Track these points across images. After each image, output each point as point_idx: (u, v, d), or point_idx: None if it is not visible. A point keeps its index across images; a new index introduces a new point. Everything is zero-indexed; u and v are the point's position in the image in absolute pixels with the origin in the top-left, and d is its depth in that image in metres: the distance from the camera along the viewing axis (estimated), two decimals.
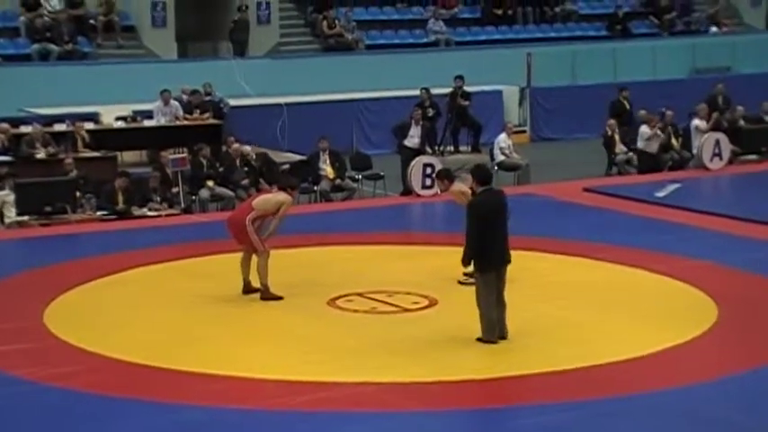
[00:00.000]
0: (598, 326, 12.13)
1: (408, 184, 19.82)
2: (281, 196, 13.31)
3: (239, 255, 13.31)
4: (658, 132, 22.15)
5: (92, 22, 28.26)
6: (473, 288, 13.35)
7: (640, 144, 22.17)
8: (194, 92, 23.85)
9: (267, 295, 13.11)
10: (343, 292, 13.24)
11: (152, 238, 16.26)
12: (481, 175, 11.86)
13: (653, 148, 22.14)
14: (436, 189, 14.01)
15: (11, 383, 10.47)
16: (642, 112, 23.26)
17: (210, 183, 19.44)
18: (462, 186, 13.84)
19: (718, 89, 24.97)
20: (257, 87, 26.77)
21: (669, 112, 22.63)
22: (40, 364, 10.88)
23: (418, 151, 21.11)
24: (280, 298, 13.09)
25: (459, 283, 13.50)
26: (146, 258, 14.96)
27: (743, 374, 10.67)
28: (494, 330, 11.44)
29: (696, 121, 22.70)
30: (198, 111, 23.51)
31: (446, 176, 13.94)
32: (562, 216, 17.48)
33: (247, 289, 13.32)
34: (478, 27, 32.88)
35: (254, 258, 13.18)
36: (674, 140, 22.50)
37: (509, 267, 11.67)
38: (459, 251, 14.54)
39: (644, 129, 22.17)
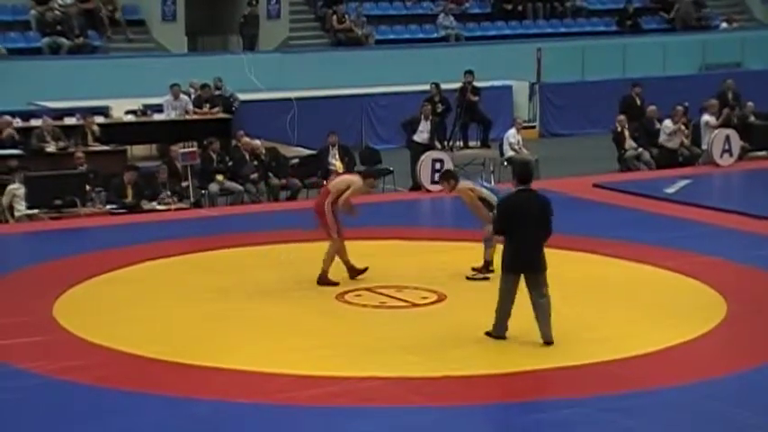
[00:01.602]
0: (607, 322, 12.12)
1: (417, 179, 19.82)
2: (355, 178, 13.60)
3: (248, 249, 13.34)
4: (682, 127, 22.13)
5: (103, 14, 28.28)
6: (481, 283, 13.42)
7: (662, 138, 22.14)
8: (204, 86, 23.86)
9: (324, 280, 13.33)
10: (351, 287, 13.25)
11: (161, 233, 16.28)
12: (520, 173, 11.56)
13: (675, 143, 22.11)
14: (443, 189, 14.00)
15: (20, 377, 10.50)
16: (652, 107, 23.23)
17: (220, 177, 19.46)
18: (468, 184, 13.83)
19: (727, 84, 24.91)
20: (267, 82, 26.67)
21: (679, 107, 22.60)
22: (49, 358, 10.90)
23: (427, 146, 21.10)
24: (336, 284, 13.28)
25: (468, 278, 13.52)
26: (155, 252, 14.98)
27: (751, 371, 10.66)
28: (501, 326, 11.40)
29: (706, 117, 22.66)
30: (208, 105, 23.53)
31: (451, 177, 13.90)
32: (571, 212, 17.44)
33: (352, 273, 13.52)
34: (488, 22, 32.86)
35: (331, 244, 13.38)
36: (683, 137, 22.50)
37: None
38: (467, 247, 14.64)
39: (668, 123, 22.13)
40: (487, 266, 13.52)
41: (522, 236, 11.19)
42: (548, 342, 11.25)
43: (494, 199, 13.37)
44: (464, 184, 13.81)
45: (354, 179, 13.71)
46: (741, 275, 13.79)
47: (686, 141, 22.44)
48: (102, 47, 28.00)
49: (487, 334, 11.42)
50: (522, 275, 11.29)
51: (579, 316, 12.30)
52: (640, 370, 10.70)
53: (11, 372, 10.63)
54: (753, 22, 35.95)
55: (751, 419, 9.52)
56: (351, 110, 26.18)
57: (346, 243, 13.51)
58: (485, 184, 13.86)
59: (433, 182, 19.35)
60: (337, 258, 13.46)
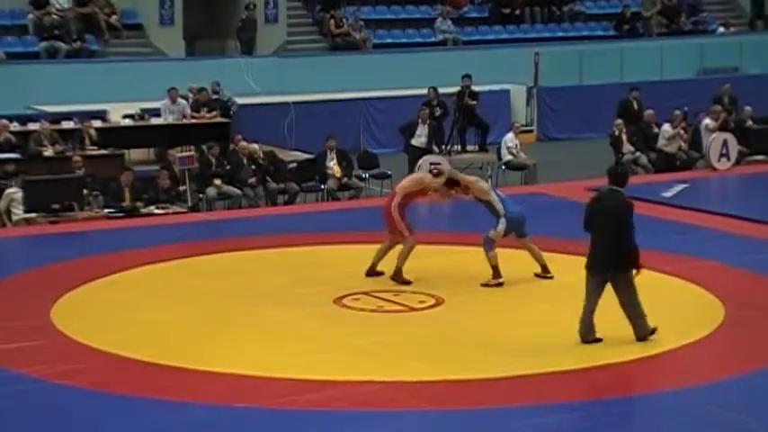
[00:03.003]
0: (604, 326, 12.09)
1: None
2: (426, 176, 13.76)
3: (246, 253, 13.34)
4: (681, 132, 22.14)
5: (100, 19, 28.28)
6: (479, 288, 13.42)
7: (661, 143, 22.15)
8: (201, 90, 23.88)
9: (398, 278, 13.48)
10: (349, 291, 13.24)
11: (159, 237, 16.27)
12: (611, 172, 11.83)
13: (673, 147, 22.13)
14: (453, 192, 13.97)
15: (17, 381, 10.49)
16: (649, 111, 23.24)
17: (218, 181, 19.45)
18: (485, 185, 13.85)
19: (723, 89, 24.93)
20: (265, 86, 26.79)
21: (677, 112, 22.62)
22: (46, 362, 10.89)
23: (425, 150, 21.11)
24: (408, 282, 13.39)
25: (482, 285, 13.43)
26: (153, 256, 14.97)
27: (749, 375, 10.66)
28: (586, 330, 11.32)
29: (707, 121, 22.68)
30: (205, 109, 23.53)
31: (452, 183, 13.87)
32: (569, 216, 17.43)
33: (372, 272, 13.71)
34: (486, 26, 32.86)
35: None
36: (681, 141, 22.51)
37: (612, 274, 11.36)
38: (465, 250, 14.64)
39: (666, 128, 22.14)
40: (497, 272, 13.44)
41: (604, 236, 11.31)
42: (640, 338, 11.31)
43: (500, 208, 13.37)
44: (482, 184, 13.80)
45: (424, 176, 13.89)
46: (739, 279, 13.79)
47: (684, 146, 22.45)
48: (100, 51, 27.99)
49: (584, 342, 11.33)
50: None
51: (576, 320, 12.28)
52: (638, 374, 10.70)
53: (8, 376, 10.61)
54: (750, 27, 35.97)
55: (750, 423, 9.52)
56: (349, 114, 26.19)
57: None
58: (497, 192, 13.81)
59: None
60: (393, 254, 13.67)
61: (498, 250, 13.47)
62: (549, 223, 16.12)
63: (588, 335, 11.34)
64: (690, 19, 34.74)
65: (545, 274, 13.71)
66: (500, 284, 13.37)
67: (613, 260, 11.26)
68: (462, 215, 16.81)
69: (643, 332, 11.35)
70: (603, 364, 10.83)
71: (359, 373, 10.53)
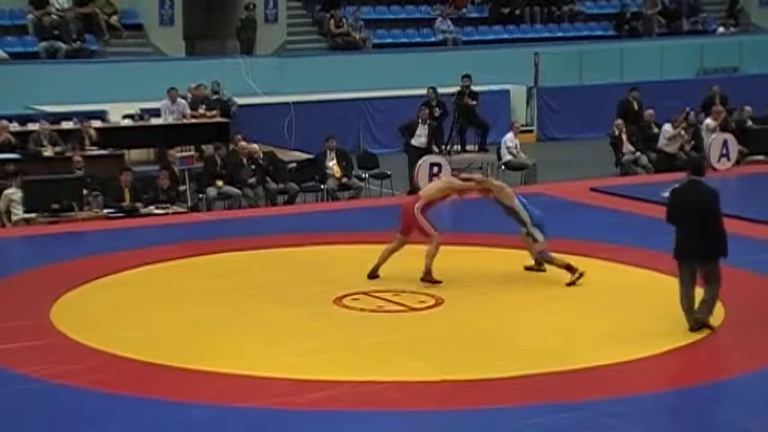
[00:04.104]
0: (604, 326, 12.11)
1: (415, 183, 19.81)
2: (455, 181, 13.84)
3: (246, 253, 13.33)
4: (682, 132, 22.13)
5: (100, 19, 28.29)
6: (479, 287, 13.41)
7: (661, 143, 22.15)
8: (198, 86, 23.90)
9: (428, 278, 13.49)
10: (349, 291, 13.24)
11: (159, 237, 16.27)
12: (691, 163, 12.22)
13: (673, 147, 22.12)
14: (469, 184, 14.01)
15: (17, 381, 10.48)
16: (650, 112, 23.24)
17: (220, 182, 19.45)
18: (508, 189, 13.81)
19: (713, 91, 24.95)
20: (264, 86, 26.80)
21: (684, 111, 22.59)
22: (46, 362, 10.88)
23: (425, 150, 21.12)
24: (438, 282, 13.40)
25: (567, 284, 13.40)
26: (152, 257, 14.97)
27: (749, 375, 10.66)
28: (687, 313, 11.61)
29: (707, 121, 22.68)
30: (204, 107, 23.54)
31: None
32: (569, 216, 17.46)
33: (373, 275, 13.69)
34: (486, 26, 32.88)
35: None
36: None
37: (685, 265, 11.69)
38: (465, 250, 14.64)
39: (667, 128, 22.13)
40: (571, 268, 13.46)
41: (688, 226, 11.56)
42: (694, 327, 11.51)
43: (526, 216, 13.36)
44: (508, 190, 13.77)
45: (454, 182, 13.91)
46: (738, 280, 13.74)
47: (686, 146, 22.45)
48: (100, 51, 28.00)
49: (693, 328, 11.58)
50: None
51: (577, 320, 12.30)
52: (637, 374, 10.69)
53: (7, 376, 10.61)
54: (750, 27, 35.97)
55: (749, 424, 9.51)
56: (348, 114, 26.20)
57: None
58: (520, 197, 13.78)
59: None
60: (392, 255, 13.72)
61: (494, 250, 13.47)
62: (549, 223, 16.11)
63: (692, 322, 11.59)
64: (690, 19, 34.74)
65: (574, 276, 13.57)
66: (581, 276, 13.36)
67: (701, 249, 11.55)
68: (462, 215, 16.82)
69: (703, 322, 11.58)
70: (603, 364, 10.82)
71: (359, 373, 10.52)
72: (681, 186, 12.00)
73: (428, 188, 14.15)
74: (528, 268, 13.88)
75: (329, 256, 15.06)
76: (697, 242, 11.51)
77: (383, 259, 13.76)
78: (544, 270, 13.75)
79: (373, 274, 13.73)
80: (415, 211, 13.63)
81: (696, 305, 11.62)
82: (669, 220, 11.84)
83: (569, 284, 13.39)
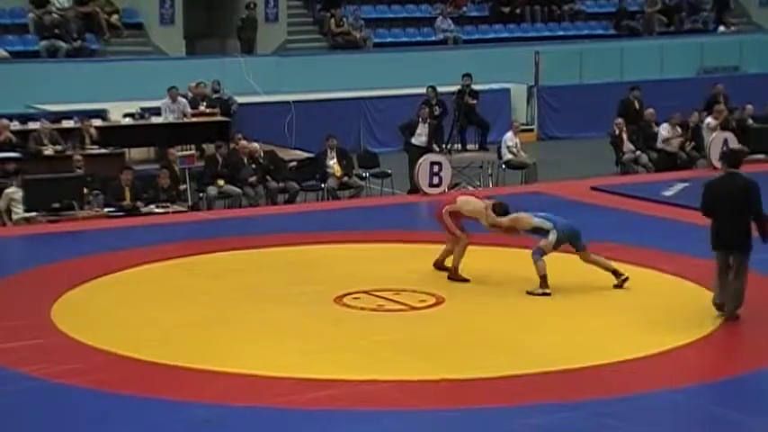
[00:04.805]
0: (606, 325, 12.12)
1: (415, 182, 19.81)
2: (480, 206, 13.67)
3: (246, 253, 13.34)
4: (679, 130, 22.12)
5: (101, 18, 28.30)
6: (480, 287, 13.42)
7: (660, 142, 22.14)
8: (198, 84, 23.90)
9: (455, 276, 13.62)
10: (349, 290, 13.23)
11: (159, 236, 16.27)
12: (728, 157, 12.51)
13: (673, 146, 22.11)
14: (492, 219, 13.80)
15: (18, 380, 10.49)
16: (650, 110, 23.24)
17: (221, 182, 19.45)
18: (524, 214, 13.59)
19: (717, 89, 24.93)
20: (265, 85, 26.80)
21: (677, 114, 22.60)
22: (46, 361, 10.89)
23: (425, 149, 21.10)
24: (466, 281, 13.53)
25: (528, 293, 13.20)
26: (153, 255, 14.97)
27: (749, 375, 10.66)
28: (717, 301, 11.96)
29: (708, 120, 22.67)
30: (204, 104, 23.54)
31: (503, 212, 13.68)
32: (570, 215, 17.39)
33: (439, 266, 13.92)
34: (486, 25, 32.87)
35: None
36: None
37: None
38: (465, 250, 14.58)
39: (664, 127, 22.11)
40: (544, 282, 13.13)
41: (723, 217, 11.80)
42: (728, 318, 11.83)
43: (548, 225, 13.28)
44: (521, 214, 13.66)
45: (480, 206, 13.68)
46: None
47: (687, 146, 22.43)
48: (100, 50, 28.01)
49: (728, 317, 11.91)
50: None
51: (576, 319, 12.30)
52: (639, 373, 10.69)
53: (8, 375, 10.61)
54: (751, 26, 35.96)
55: (749, 423, 9.52)
56: (349, 113, 26.20)
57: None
58: (539, 213, 13.68)
59: (431, 185, 19.35)
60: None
61: (494, 250, 13.46)
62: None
63: (722, 309, 11.90)
64: (690, 18, 34.73)
65: (619, 279, 13.36)
66: (546, 294, 13.00)
67: (737, 240, 11.80)
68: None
69: (732, 314, 11.88)
70: (603, 363, 10.83)
71: (359, 373, 10.52)
72: (717, 178, 12.28)
73: (467, 202, 13.87)
74: (616, 286, 13.41)
75: (329, 255, 15.05)
76: (733, 233, 11.75)
77: (445, 253, 13.93)
78: (626, 278, 13.36)
79: (439, 266, 13.94)
80: (444, 212, 13.80)
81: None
82: (705, 212, 12.05)
83: (529, 293, 13.03)
